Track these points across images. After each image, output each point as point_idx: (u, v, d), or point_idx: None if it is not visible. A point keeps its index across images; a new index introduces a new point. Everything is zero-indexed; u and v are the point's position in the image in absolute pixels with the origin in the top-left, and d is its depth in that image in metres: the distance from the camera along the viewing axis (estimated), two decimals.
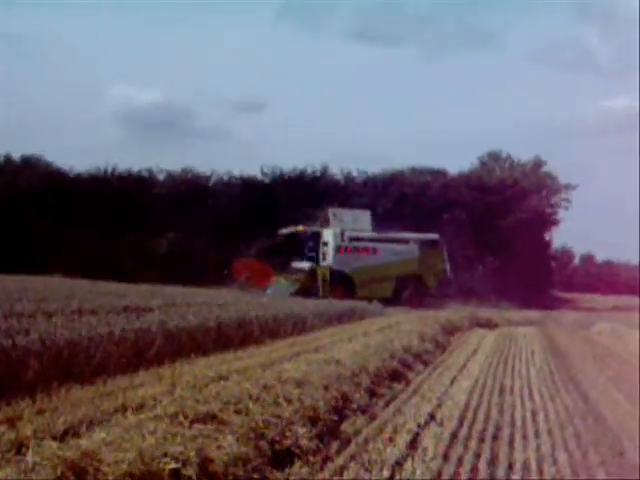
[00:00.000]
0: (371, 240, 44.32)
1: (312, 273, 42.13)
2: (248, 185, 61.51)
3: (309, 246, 43.48)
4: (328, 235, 43.32)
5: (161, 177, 63.16)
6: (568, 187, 64.62)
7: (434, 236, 46.37)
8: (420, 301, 42.64)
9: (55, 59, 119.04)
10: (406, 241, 45.54)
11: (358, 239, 43.85)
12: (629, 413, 12.11)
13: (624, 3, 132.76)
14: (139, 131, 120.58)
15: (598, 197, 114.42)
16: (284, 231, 45.31)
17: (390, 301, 40.61)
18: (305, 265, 42.73)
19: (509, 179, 62.95)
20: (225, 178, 62.86)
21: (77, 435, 8.11)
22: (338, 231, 43.33)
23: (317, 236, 43.58)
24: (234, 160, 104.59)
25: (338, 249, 42.98)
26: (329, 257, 43.01)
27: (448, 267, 46.04)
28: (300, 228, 43.90)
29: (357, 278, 42.77)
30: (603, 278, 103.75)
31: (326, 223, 44.17)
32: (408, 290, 44.17)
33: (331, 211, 44.63)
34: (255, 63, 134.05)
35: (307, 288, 40.66)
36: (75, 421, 8.90)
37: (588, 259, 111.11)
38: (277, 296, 35.43)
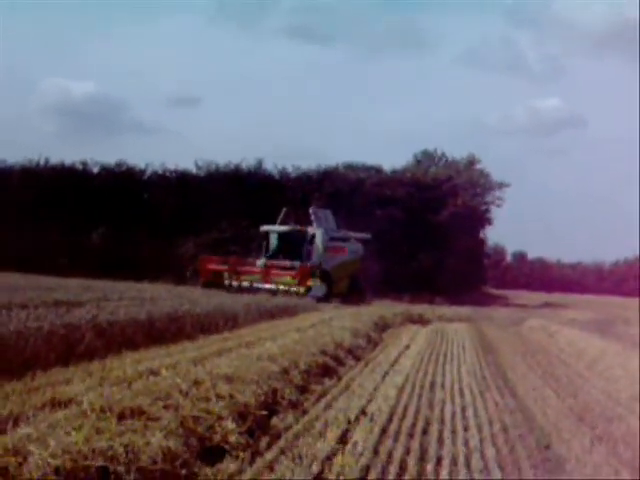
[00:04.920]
0: (340, 239, 45.41)
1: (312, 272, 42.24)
2: (183, 179, 61.10)
3: (298, 245, 43.50)
4: (318, 234, 43.81)
5: (95, 170, 62.46)
6: (501, 185, 65.24)
7: (367, 236, 47.44)
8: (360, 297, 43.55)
9: None
10: (349, 239, 46.56)
11: (333, 238, 44.85)
12: (557, 408, 12.30)
13: (554, 6, 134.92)
14: (73, 124, 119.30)
15: (529, 196, 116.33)
16: (273, 228, 45.11)
17: (346, 297, 41.89)
18: (297, 264, 42.51)
19: (443, 175, 63.29)
20: (160, 172, 62.34)
21: (2, 431, 7.90)
22: (324, 231, 44.02)
23: (302, 234, 43.78)
24: (169, 154, 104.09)
25: (325, 248, 43.71)
26: (314, 255, 43.40)
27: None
28: (299, 227, 44.06)
29: (334, 275, 43.59)
30: (534, 275, 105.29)
31: (308, 222, 44.40)
32: (355, 286, 45.36)
33: (313, 211, 44.89)
34: (190, 58, 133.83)
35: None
36: (1, 417, 8.70)
37: (520, 257, 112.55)
38: (318, 296, 38.56)
